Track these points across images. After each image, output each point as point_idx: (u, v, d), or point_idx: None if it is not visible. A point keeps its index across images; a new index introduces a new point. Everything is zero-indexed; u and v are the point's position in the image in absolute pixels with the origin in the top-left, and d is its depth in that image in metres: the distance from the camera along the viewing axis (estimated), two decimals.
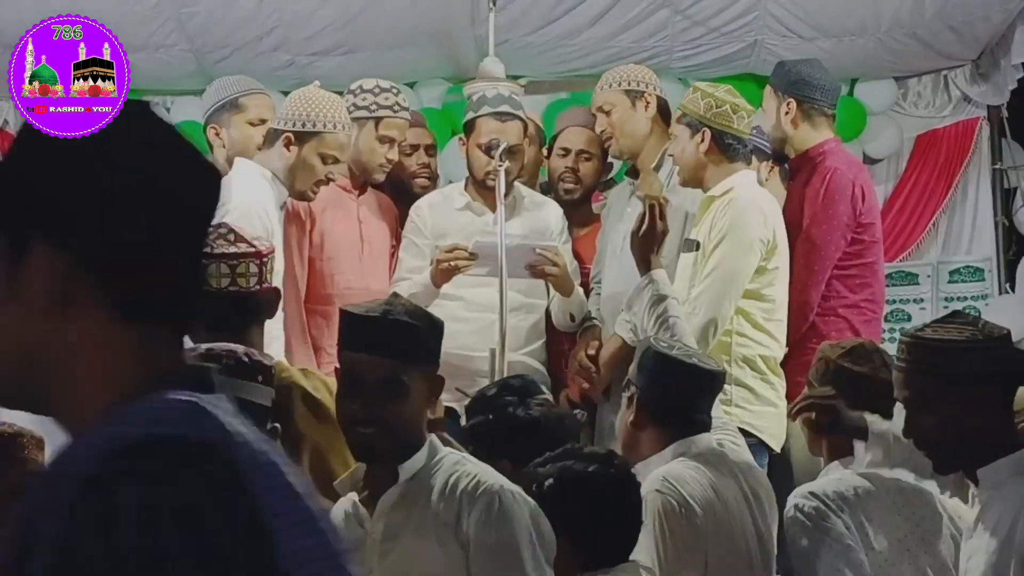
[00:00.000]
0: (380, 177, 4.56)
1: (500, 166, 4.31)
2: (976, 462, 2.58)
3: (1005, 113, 6.12)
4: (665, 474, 3.07)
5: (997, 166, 6.22)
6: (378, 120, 4.52)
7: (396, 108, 4.54)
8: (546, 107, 5.93)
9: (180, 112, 6.29)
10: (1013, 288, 6.08)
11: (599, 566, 2.78)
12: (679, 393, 3.26)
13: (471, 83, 4.92)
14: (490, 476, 2.55)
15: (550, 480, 2.79)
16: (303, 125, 4.15)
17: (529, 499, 2.60)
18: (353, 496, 2.59)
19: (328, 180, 4.25)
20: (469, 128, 4.66)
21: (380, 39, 5.78)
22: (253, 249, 3.07)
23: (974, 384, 2.57)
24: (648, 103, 4.59)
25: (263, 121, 4.45)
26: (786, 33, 5.72)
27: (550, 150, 5.02)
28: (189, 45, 5.79)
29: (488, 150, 4.47)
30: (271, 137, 4.20)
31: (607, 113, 4.60)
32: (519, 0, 5.47)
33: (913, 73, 6.27)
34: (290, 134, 4.14)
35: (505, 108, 4.57)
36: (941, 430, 2.59)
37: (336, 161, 4.26)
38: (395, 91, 4.60)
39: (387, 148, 4.52)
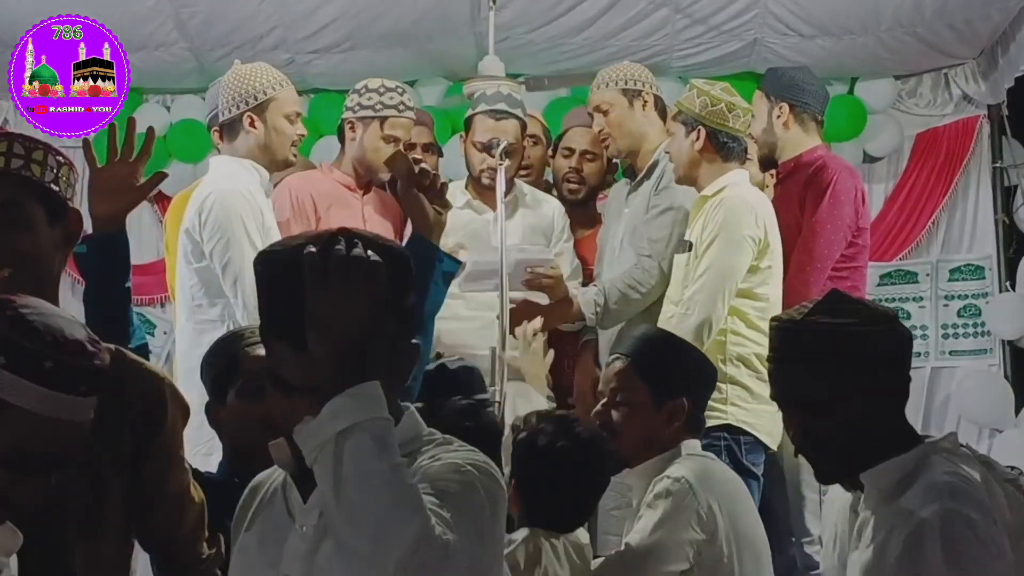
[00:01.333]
0: (386, 176, 4.54)
1: (500, 165, 4.32)
2: (861, 464, 2.30)
3: (1005, 111, 6.15)
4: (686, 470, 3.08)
5: (997, 164, 6.25)
6: (383, 119, 4.54)
7: (401, 107, 4.56)
8: (547, 105, 5.96)
9: (180, 111, 6.31)
10: (1014, 286, 6.11)
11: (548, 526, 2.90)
12: (706, 391, 3.34)
13: (470, 81, 4.93)
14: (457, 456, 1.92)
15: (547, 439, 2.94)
16: (255, 98, 4.17)
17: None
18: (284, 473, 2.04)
19: (300, 138, 4.30)
20: (467, 126, 4.71)
21: (380, 38, 5.80)
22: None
23: (884, 369, 2.30)
24: (646, 102, 4.61)
25: None
26: (786, 31, 5.73)
27: (554, 150, 5.06)
28: (189, 44, 5.82)
29: (485, 148, 4.51)
30: (229, 130, 4.22)
31: (605, 113, 4.62)
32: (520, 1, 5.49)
33: (913, 72, 6.29)
34: (249, 113, 4.16)
35: (501, 106, 4.59)
36: (847, 426, 2.29)
37: (299, 115, 4.33)
38: (400, 90, 4.61)
39: (392, 147, 4.52)
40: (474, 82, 4.84)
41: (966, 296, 6.24)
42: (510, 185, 4.50)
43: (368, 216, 4.58)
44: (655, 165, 4.54)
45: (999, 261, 6.23)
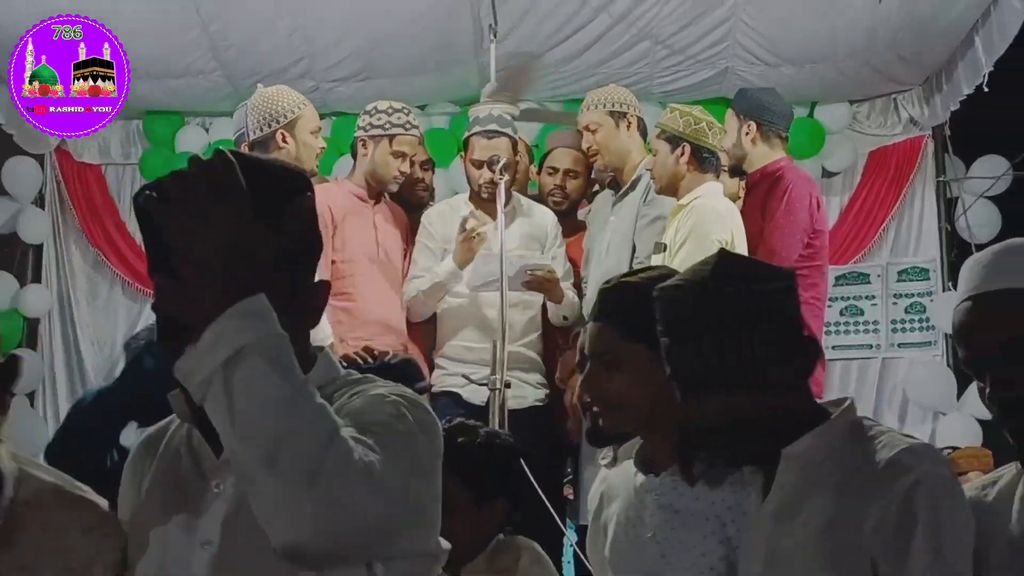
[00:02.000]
0: (394, 188, 4.56)
1: (500, 179, 4.32)
2: (782, 440, 1.83)
3: (948, 131, 6.16)
4: None
5: (941, 179, 6.26)
6: (391, 137, 4.51)
7: (407, 126, 4.53)
8: (540, 130, 5.96)
9: (218, 132, 6.30)
10: (955, 286, 6.03)
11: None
12: None
13: (474, 106, 4.90)
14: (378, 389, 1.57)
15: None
16: (285, 117, 4.17)
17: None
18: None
19: (322, 150, 4.34)
20: (465, 146, 4.70)
21: (394, 67, 5.81)
22: None
23: (799, 330, 1.89)
24: (630, 123, 4.59)
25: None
26: (754, 61, 5.74)
27: (540, 167, 5.04)
28: (225, 72, 5.84)
29: (482, 166, 4.49)
30: (261, 147, 4.15)
31: (593, 132, 4.59)
32: (517, 32, 5.48)
33: (866, 97, 6.31)
34: (281, 130, 4.15)
35: (493, 127, 4.56)
36: (776, 398, 1.84)
37: (319, 129, 4.35)
38: (406, 111, 4.59)
39: (400, 162, 4.51)
40: (477, 106, 4.83)
41: (913, 295, 6.24)
42: (508, 196, 4.47)
43: (379, 224, 4.56)
44: (639, 179, 4.52)
45: (942, 264, 6.23)
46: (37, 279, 6.51)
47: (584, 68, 5.79)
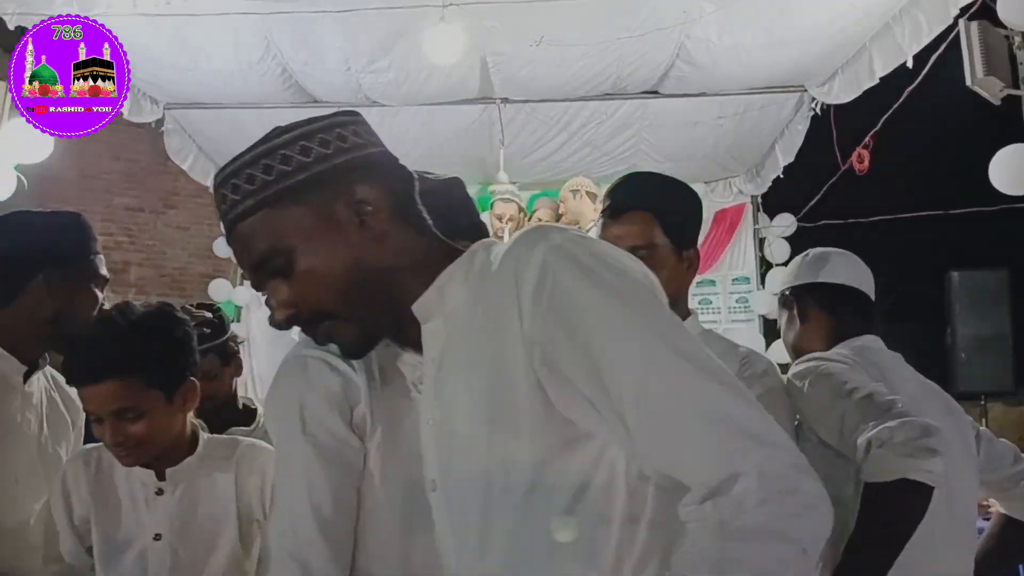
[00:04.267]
0: None
1: (505, 227, 4.48)
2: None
3: (760, 200, 6.23)
4: None
5: (756, 226, 6.28)
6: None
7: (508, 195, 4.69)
8: (530, 197, 5.96)
9: None
10: (765, 288, 6.13)
11: None
12: None
13: (493, 184, 5.07)
14: None
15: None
16: None
17: None
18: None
19: None
20: (491, 207, 4.81)
21: (444, 163, 5.49)
22: None
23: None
24: (583, 197, 4.78)
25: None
26: (648, 158, 5.69)
27: (528, 220, 5.15)
28: None
29: (498, 219, 4.64)
30: None
31: (563, 202, 4.75)
32: (515, 143, 5.49)
33: (713, 179, 6.30)
34: None
35: (506, 196, 4.69)
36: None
37: None
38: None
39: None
40: (494, 185, 5.05)
41: (740, 293, 6.24)
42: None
43: None
44: (589, 229, 4.68)
45: (757, 275, 6.21)
46: (243, 283, 6.30)
47: (555, 163, 5.80)
